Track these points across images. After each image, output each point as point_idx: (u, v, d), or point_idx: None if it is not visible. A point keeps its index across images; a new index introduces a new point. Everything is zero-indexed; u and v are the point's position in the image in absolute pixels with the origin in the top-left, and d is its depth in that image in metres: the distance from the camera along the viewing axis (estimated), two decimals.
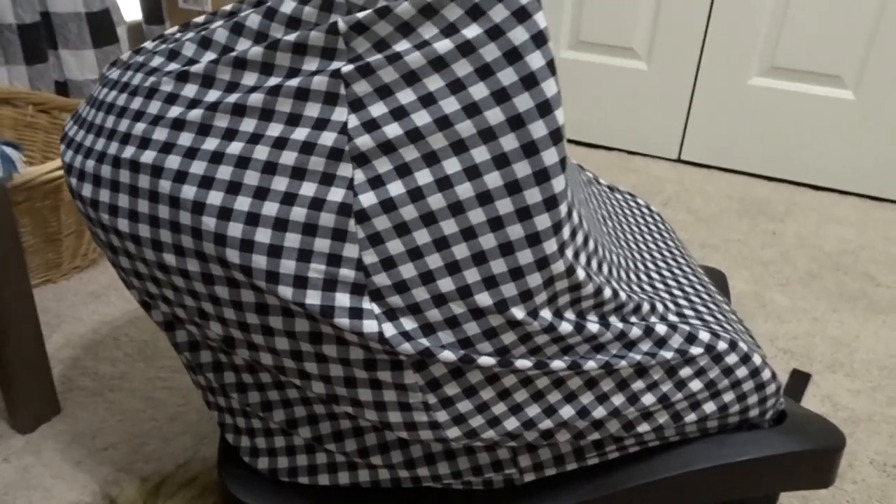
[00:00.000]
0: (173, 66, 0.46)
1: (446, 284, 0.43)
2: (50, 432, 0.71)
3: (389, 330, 0.43)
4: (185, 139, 0.44)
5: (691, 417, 0.53)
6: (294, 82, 0.42)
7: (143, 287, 0.50)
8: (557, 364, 0.46)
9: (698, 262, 1.10)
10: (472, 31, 0.40)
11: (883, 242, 1.18)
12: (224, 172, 0.42)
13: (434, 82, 0.41)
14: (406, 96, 0.41)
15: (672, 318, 0.53)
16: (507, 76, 0.40)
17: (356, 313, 0.42)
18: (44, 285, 0.93)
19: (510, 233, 0.42)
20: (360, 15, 0.41)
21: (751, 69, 1.33)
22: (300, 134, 0.42)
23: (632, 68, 1.42)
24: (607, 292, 0.47)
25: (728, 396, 0.53)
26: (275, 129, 0.42)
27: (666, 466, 0.55)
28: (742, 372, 0.53)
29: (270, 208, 0.42)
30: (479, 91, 0.40)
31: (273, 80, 0.43)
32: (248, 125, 0.43)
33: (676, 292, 0.58)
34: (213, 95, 0.44)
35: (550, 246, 0.42)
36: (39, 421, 0.71)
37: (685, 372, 0.51)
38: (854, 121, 1.30)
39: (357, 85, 0.41)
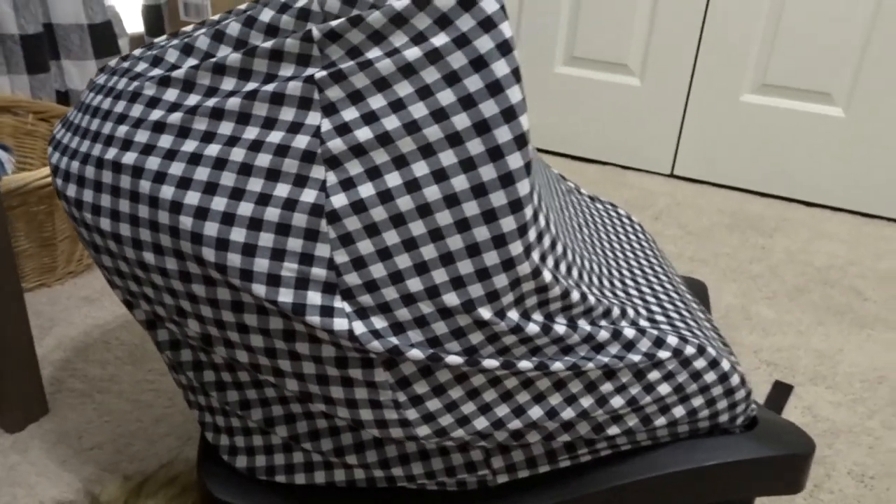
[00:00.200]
0: (156, 72, 0.48)
1: (415, 284, 0.44)
2: (38, 432, 0.72)
3: (359, 328, 0.44)
4: (166, 141, 0.45)
5: (661, 421, 0.54)
6: (270, 87, 0.44)
7: (125, 286, 0.51)
8: (525, 364, 0.47)
9: (685, 274, 1.11)
10: (439, 40, 0.41)
11: (872, 258, 1.19)
12: (202, 173, 0.44)
13: (403, 88, 0.42)
14: (377, 101, 0.42)
15: (643, 322, 0.54)
16: (474, 83, 0.41)
17: (327, 311, 0.44)
18: (38, 289, 0.95)
19: (476, 234, 0.43)
20: (334, 23, 0.42)
21: (742, 86, 1.35)
22: (275, 137, 0.44)
23: (625, 84, 1.44)
24: (575, 295, 0.48)
25: (697, 401, 0.54)
26: (251, 133, 0.44)
27: (636, 470, 0.56)
28: (710, 377, 0.54)
29: (245, 208, 0.43)
30: (446, 97, 0.42)
31: (250, 86, 0.45)
32: (225, 128, 0.44)
33: (650, 299, 0.59)
34: (193, 99, 0.45)
35: (516, 248, 0.44)
36: (28, 420, 0.72)
37: (653, 375, 0.52)
38: (844, 138, 1.31)
39: (330, 90, 0.43)
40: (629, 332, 0.51)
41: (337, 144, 0.43)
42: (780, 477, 0.57)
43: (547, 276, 0.46)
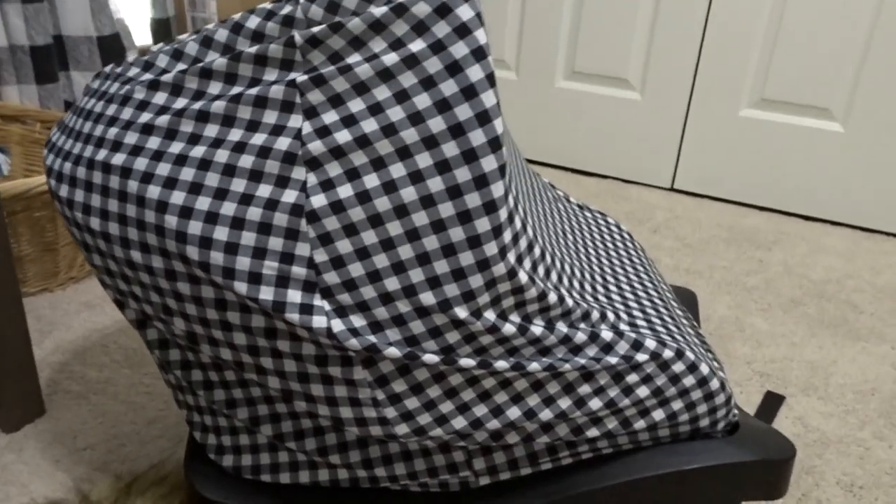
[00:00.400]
0: (147, 76, 0.49)
1: (392, 283, 0.45)
2: (33, 432, 0.73)
3: (338, 326, 0.45)
4: (153, 143, 0.47)
5: (641, 424, 0.55)
6: (254, 91, 0.45)
7: (114, 284, 0.52)
8: (501, 364, 0.48)
9: (681, 284, 1.11)
10: (416, 46, 0.43)
11: (869, 272, 1.19)
12: (187, 174, 0.45)
13: (382, 92, 0.43)
14: (356, 105, 0.44)
15: (623, 326, 0.55)
16: (449, 87, 0.43)
17: (306, 309, 0.45)
18: (40, 294, 0.96)
19: (452, 235, 0.44)
20: (315, 29, 0.44)
21: (741, 101, 1.36)
22: (258, 139, 0.45)
23: (626, 98, 1.45)
24: (552, 297, 0.49)
25: (677, 404, 0.55)
26: (235, 135, 0.45)
27: (617, 472, 0.56)
28: (689, 381, 0.54)
29: (228, 208, 0.45)
30: (422, 101, 0.43)
31: (236, 89, 0.46)
32: (211, 130, 0.46)
33: (632, 304, 0.60)
34: (180, 103, 0.47)
35: (491, 248, 0.45)
36: (23, 421, 0.74)
37: (632, 378, 0.53)
38: (843, 153, 1.32)
39: (311, 94, 0.44)
40: (607, 335, 0.52)
41: (317, 146, 0.44)
42: (761, 481, 0.57)
43: (523, 277, 0.47)
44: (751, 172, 1.40)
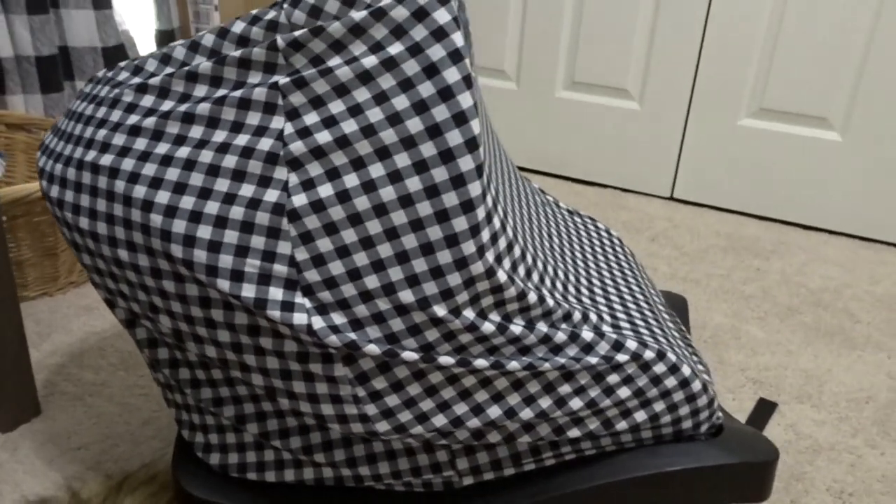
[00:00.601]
0: (136, 80, 0.50)
1: (372, 281, 0.46)
2: (28, 431, 0.74)
3: (318, 323, 0.46)
4: (141, 144, 0.48)
5: (623, 425, 0.55)
6: (238, 93, 0.46)
7: (103, 283, 0.54)
8: (480, 362, 0.49)
9: (678, 292, 1.11)
10: (395, 49, 0.44)
11: (868, 282, 1.18)
12: (172, 174, 0.46)
13: (361, 94, 0.44)
14: (336, 107, 0.45)
15: (605, 328, 0.55)
16: (426, 89, 0.44)
17: (287, 306, 0.46)
18: (41, 298, 0.98)
19: (430, 234, 0.45)
20: (297, 33, 0.45)
21: (740, 110, 1.37)
22: (242, 140, 0.46)
23: (625, 108, 1.46)
24: (532, 297, 0.50)
25: (658, 406, 0.55)
26: (219, 136, 0.46)
27: (600, 473, 0.56)
28: (671, 382, 0.55)
29: (212, 207, 0.46)
30: (401, 102, 0.44)
31: (220, 92, 0.47)
32: (196, 132, 0.47)
33: (616, 306, 0.60)
34: (167, 105, 0.48)
35: (468, 247, 0.45)
36: (19, 421, 0.75)
37: (613, 378, 0.53)
38: (841, 162, 1.32)
39: (293, 96, 0.45)
40: (587, 335, 0.52)
41: (298, 147, 0.45)
42: (744, 484, 0.57)
43: (502, 276, 0.48)
44: (749, 182, 1.40)
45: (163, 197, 0.46)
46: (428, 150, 0.44)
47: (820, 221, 1.37)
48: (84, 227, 0.50)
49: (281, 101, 0.46)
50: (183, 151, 0.47)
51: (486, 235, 0.46)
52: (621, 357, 0.53)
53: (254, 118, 0.46)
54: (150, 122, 0.48)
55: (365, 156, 0.45)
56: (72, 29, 1.27)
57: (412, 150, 0.44)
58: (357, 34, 0.44)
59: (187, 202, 0.46)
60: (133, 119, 0.48)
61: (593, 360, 0.52)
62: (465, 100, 0.44)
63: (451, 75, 0.43)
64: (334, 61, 0.45)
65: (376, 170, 0.45)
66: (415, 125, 0.44)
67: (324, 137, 0.45)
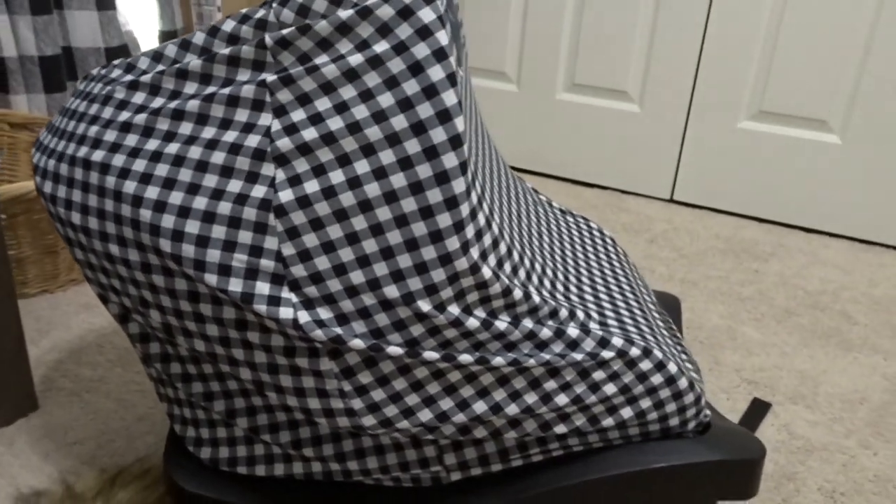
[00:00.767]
0: (128, 77, 0.51)
1: (357, 277, 0.46)
2: (25, 426, 0.75)
3: (304, 317, 0.46)
4: (131, 140, 0.48)
5: (609, 422, 0.56)
6: (226, 91, 0.47)
7: (96, 278, 0.54)
8: (466, 358, 0.49)
9: (676, 294, 1.12)
10: (381, 47, 0.44)
11: (866, 284, 1.18)
12: (161, 170, 0.47)
13: (347, 91, 0.45)
14: (323, 104, 0.45)
15: (592, 325, 0.56)
16: (411, 87, 0.44)
17: (274, 301, 0.46)
18: (41, 295, 0.99)
19: (414, 230, 0.45)
20: (285, 32, 0.46)
21: (740, 113, 1.37)
22: (230, 136, 0.47)
23: (625, 110, 1.47)
24: (517, 293, 0.50)
25: (645, 403, 0.56)
26: (208, 132, 0.47)
27: (587, 470, 0.57)
28: (657, 379, 0.55)
29: (200, 202, 0.46)
30: (386, 100, 0.44)
31: (210, 89, 0.48)
32: (185, 128, 0.48)
33: (605, 304, 0.61)
34: (157, 102, 0.49)
35: (453, 243, 0.46)
36: (16, 416, 0.76)
37: (598, 375, 0.53)
38: (841, 165, 1.32)
39: (280, 93, 0.46)
40: (573, 332, 0.53)
41: (285, 143, 0.46)
42: (730, 481, 0.57)
43: (487, 272, 0.48)
44: (749, 184, 1.40)
45: (152, 192, 0.47)
46: (412, 147, 0.45)
47: (820, 224, 1.37)
48: (76, 223, 0.51)
49: (269, 98, 0.46)
50: (172, 147, 0.47)
51: (470, 232, 0.47)
52: (607, 353, 0.53)
53: (242, 115, 0.47)
54: (140, 118, 0.49)
55: (350, 152, 0.45)
56: (75, 29, 1.28)
57: (397, 147, 0.45)
58: (344, 32, 0.45)
59: (176, 197, 0.47)
60: (124, 116, 0.49)
61: (579, 356, 0.52)
62: (448, 98, 0.44)
63: (436, 73, 0.44)
64: (321, 59, 0.45)
65: (361, 166, 0.45)
66: (399, 122, 0.44)
67: (310, 134, 0.45)
